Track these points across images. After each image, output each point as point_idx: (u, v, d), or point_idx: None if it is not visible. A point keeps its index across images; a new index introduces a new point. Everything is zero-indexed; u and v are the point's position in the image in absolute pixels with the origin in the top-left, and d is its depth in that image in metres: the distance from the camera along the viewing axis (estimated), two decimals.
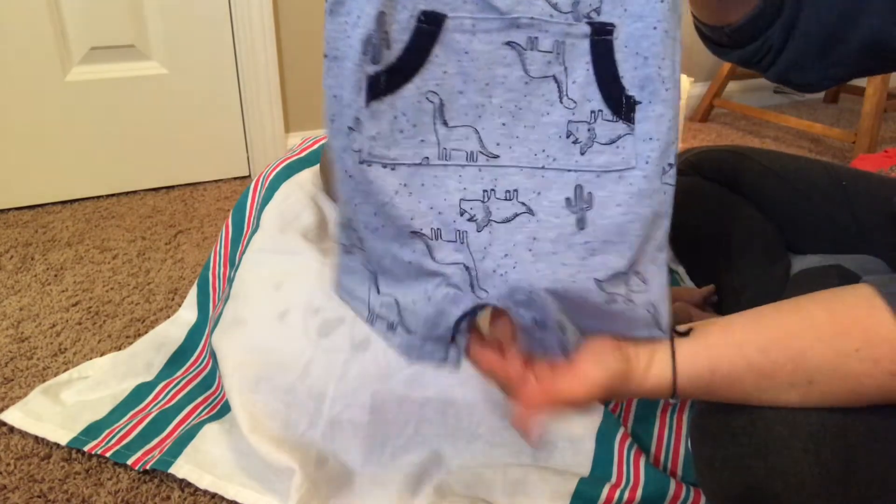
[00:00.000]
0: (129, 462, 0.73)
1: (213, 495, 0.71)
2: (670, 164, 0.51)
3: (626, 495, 0.66)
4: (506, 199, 0.52)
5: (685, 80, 1.75)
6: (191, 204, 1.45)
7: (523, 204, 0.52)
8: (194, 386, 0.86)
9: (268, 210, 0.92)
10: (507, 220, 0.52)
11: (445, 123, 0.51)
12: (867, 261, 0.79)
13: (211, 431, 0.76)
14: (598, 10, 0.49)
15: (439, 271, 0.53)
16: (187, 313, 0.97)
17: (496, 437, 0.73)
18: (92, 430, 0.78)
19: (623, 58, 0.49)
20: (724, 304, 1.02)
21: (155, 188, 1.52)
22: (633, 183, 0.51)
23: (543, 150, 0.52)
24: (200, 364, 0.89)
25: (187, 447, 0.74)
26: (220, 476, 0.72)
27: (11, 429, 0.79)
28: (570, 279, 0.52)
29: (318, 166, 0.99)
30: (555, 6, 0.49)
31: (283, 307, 0.80)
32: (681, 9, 0.48)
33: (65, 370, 0.89)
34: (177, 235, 1.30)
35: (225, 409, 0.80)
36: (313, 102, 1.63)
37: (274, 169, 0.99)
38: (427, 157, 0.51)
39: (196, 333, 0.94)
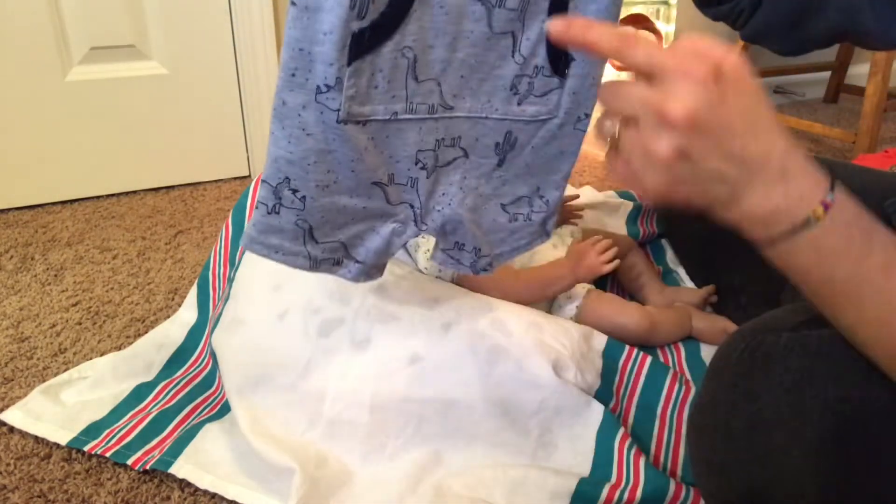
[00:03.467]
0: (129, 462, 0.73)
1: (213, 495, 0.71)
2: (586, 115, 0.56)
3: (626, 495, 0.66)
4: (451, 146, 0.57)
5: None
6: (191, 204, 1.45)
7: (462, 149, 0.57)
8: (194, 386, 0.86)
9: None
10: (448, 164, 0.58)
11: (416, 79, 0.51)
12: None
13: (211, 431, 0.76)
14: None
15: (390, 212, 0.58)
16: (187, 313, 0.97)
17: (496, 437, 0.74)
18: (92, 430, 0.78)
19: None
20: (724, 304, 1.02)
21: (155, 188, 1.52)
22: (550, 129, 0.57)
23: (489, 101, 0.55)
24: (200, 364, 0.89)
25: (187, 447, 0.74)
26: (220, 476, 0.72)
27: (11, 429, 0.79)
28: (482, 205, 0.60)
29: None
30: None
31: (283, 307, 0.80)
32: None
33: (65, 370, 0.89)
34: (177, 235, 1.30)
35: (225, 409, 0.80)
36: None
37: None
38: (396, 112, 0.52)
39: (196, 333, 0.94)
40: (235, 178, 1.59)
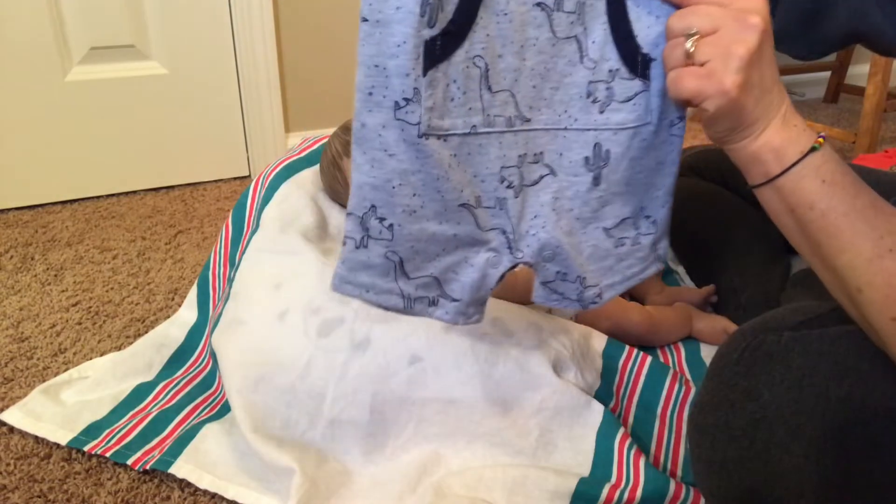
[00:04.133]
0: (129, 462, 0.73)
1: (213, 495, 0.71)
2: (679, 118, 0.54)
3: (626, 495, 0.66)
4: (535, 162, 0.54)
5: None
6: (191, 204, 1.45)
7: (547, 166, 0.54)
8: (194, 386, 0.86)
9: (268, 210, 0.92)
10: (535, 183, 0.55)
11: (490, 89, 0.50)
12: None
13: (211, 431, 0.76)
14: None
15: (482, 238, 0.54)
16: (187, 313, 0.97)
17: (496, 437, 0.73)
18: (92, 430, 0.78)
19: (636, 17, 0.51)
20: (724, 303, 1.02)
21: (155, 188, 1.52)
22: (645, 138, 0.54)
23: (566, 111, 0.53)
24: (200, 364, 0.89)
25: (187, 447, 0.74)
26: (220, 476, 0.72)
27: (11, 429, 0.79)
28: (581, 230, 0.56)
29: (318, 166, 0.99)
30: None
31: (283, 307, 0.80)
32: None
33: (65, 370, 0.89)
34: (177, 235, 1.30)
35: (225, 409, 0.80)
36: (313, 102, 1.63)
37: (274, 169, 0.99)
38: (475, 126, 0.51)
39: (196, 333, 0.94)
40: (235, 178, 1.59)
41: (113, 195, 1.48)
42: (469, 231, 0.53)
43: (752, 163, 0.49)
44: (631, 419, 0.79)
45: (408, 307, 0.54)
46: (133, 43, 1.41)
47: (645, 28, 0.51)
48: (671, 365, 0.90)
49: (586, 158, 0.54)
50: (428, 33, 0.45)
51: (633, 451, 0.71)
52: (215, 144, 1.55)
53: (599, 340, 0.83)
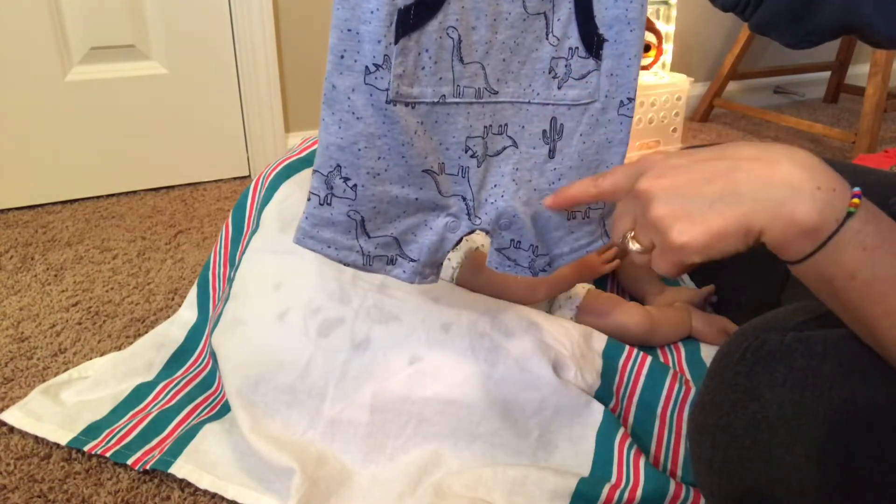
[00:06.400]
0: (129, 462, 0.73)
1: (213, 495, 0.71)
2: (629, 99, 0.56)
3: (626, 495, 0.66)
4: (499, 134, 0.56)
5: (685, 80, 1.75)
6: (191, 204, 1.45)
7: (510, 137, 0.56)
8: (194, 386, 0.86)
9: (268, 210, 0.92)
10: (498, 153, 0.57)
11: (461, 60, 0.51)
12: None
13: (211, 431, 0.76)
14: None
15: (442, 203, 0.56)
16: (187, 313, 0.97)
17: (496, 437, 0.73)
18: (92, 430, 0.78)
19: None
20: (724, 303, 1.02)
21: (155, 188, 1.52)
22: (593, 114, 0.56)
23: (530, 86, 0.55)
24: (200, 364, 0.89)
25: (187, 447, 0.74)
26: (220, 476, 0.72)
27: (11, 429, 0.79)
28: (538, 200, 0.58)
29: None
30: None
31: (283, 307, 0.80)
32: None
33: (65, 370, 0.89)
34: (177, 235, 1.30)
35: (225, 409, 0.80)
36: (313, 102, 1.63)
37: (274, 169, 0.98)
38: (444, 95, 0.52)
39: (196, 333, 0.94)
40: (235, 178, 1.59)
41: (113, 195, 1.48)
42: (430, 196, 0.55)
43: (783, 248, 0.43)
44: (631, 419, 0.79)
45: (367, 264, 0.56)
46: (133, 43, 1.41)
47: (603, 9, 0.53)
48: (671, 365, 0.90)
49: (544, 131, 0.56)
50: (402, 2, 0.46)
51: (633, 451, 0.71)
52: (215, 144, 1.55)
53: (599, 340, 0.83)
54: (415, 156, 0.52)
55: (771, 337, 0.51)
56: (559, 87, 0.55)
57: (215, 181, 1.57)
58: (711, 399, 0.53)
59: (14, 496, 0.70)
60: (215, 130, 1.54)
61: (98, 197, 1.47)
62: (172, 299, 1.08)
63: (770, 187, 0.42)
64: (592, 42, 0.54)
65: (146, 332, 0.96)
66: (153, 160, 1.50)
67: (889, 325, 0.43)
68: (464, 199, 0.57)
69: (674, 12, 1.84)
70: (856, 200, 0.41)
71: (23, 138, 1.37)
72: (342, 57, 0.47)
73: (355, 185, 0.52)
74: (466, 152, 0.55)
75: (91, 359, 0.92)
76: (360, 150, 0.50)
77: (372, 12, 0.46)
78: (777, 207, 0.42)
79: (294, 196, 0.94)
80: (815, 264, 0.43)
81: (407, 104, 0.50)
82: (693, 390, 0.81)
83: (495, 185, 0.57)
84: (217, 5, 1.44)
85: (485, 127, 0.55)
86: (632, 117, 0.57)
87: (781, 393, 0.48)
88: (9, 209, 1.39)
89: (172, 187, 1.53)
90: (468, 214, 0.57)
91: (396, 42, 0.47)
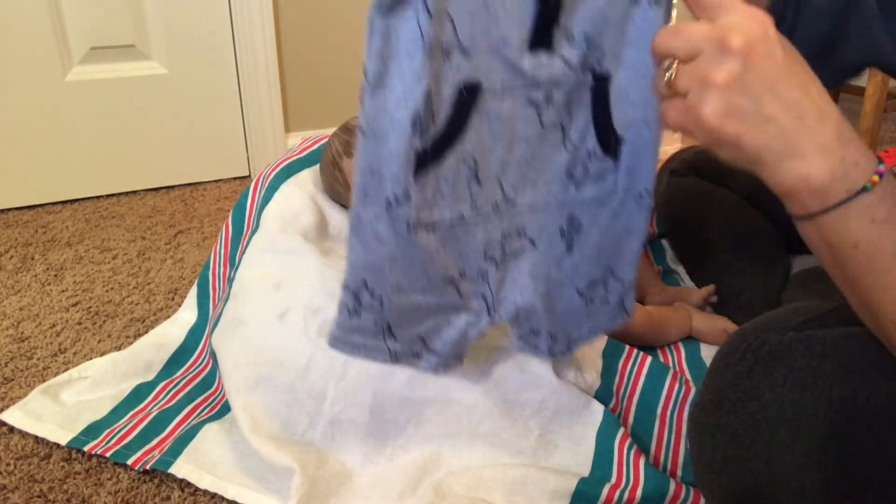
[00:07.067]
0: (129, 462, 0.73)
1: (213, 495, 0.71)
2: (647, 190, 0.56)
3: (626, 495, 0.66)
4: (517, 236, 0.58)
5: None
6: (191, 204, 1.45)
7: (529, 239, 0.58)
8: (194, 386, 0.86)
9: (268, 210, 0.92)
10: (516, 254, 0.59)
11: (479, 182, 0.54)
12: None
13: (211, 431, 0.76)
14: (600, 62, 0.52)
15: (463, 305, 0.59)
16: (187, 313, 0.97)
17: (496, 437, 0.73)
18: (92, 430, 0.78)
19: (615, 102, 0.53)
20: (724, 303, 1.02)
21: (155, 188, 1.52)
22: (611, 208, 0.57)
23: (548, 191, 0.57)
24: (200, 364, 0.89)
25: (187, 447, 0.74)
26: (220, 476, 0.72)
27: (11, 429, 0.79)
28: (556, 291, 0.60)
29: (317, 166, 0.99)
30: (568, 63, 0.52)
31: (283, 307, 0.80)
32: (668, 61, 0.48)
33: (65, 370, 0.89)
34: (177, 235, 1.30)
35: (225, 409, 0.80)
36: (313, 102, 1.63)
37: (274, 169, 0.99)
38: (462, 214, 0.55)
39: (196, 333, 0.94)
40: (235, 178, 1.59)
41: (113, 195, 1.48)
42: (451, 300, 0.59)
43: (787, 197, 0.44)
44: (631, 419, 0.79)
45: (393, 359, 0.60)
46: (133, 43, 1.41)
47: (622, 114, 0.54)
48: (671, 365, 0.90)
49: (561, 228, 0.58)
50: (419, 144, 0.49)
51: (633, 451, 0.71)
52: (215, 144, 1.55)
53: (599, 340, 0.83)
54: (436, 269, 0.55)
55: (771, 337, 0.51)
56: (577, 189, 0.57)
57: (215, 181, 1.57)
58: (711, 399, 0.53)
59: (14, 496, 0.70)
60: (215, 130, 1.54)
61: (98, 197, 1.47)
62: (172, 299, 1.08)
63: (808, 138, 0.41)
64: (610, 144, 0.55)
65: (146, 332, 0.96)
66: (153, 160, 1.50)
67: (889, 299, 0.43)
68: (483, 297, 0.60)
69: (674, 13, 1.84)
70: (875, 178, 0.41)
71: (23, 138, 1.37)
72: (366, 193, 0.50)
73: (381, 298, 0.55)
74: (485, 258, 0.57)
75: (91, 359, 0.91)
76: (384, 269, 0.54)
77: (392, 155, 0.49)
78: (796, 161, 0.41)
79: (294, 196, 0.94)
80: (818, 225, 0.43)
81: (427, 228, 0.53)
82: (693, 390, 0.81)
83: (514, 283, 0.60)
84: (217, 5, 1.44)
85: (503, 232, 0.57)
86: (649, 208, 0.57)
87: (781, 393, 0.49)
88: (9, 209, 1.39)
89: (172, 187, 1.53)
90: (488, 311, 0.60)
91: (416, 179, 0.50)
